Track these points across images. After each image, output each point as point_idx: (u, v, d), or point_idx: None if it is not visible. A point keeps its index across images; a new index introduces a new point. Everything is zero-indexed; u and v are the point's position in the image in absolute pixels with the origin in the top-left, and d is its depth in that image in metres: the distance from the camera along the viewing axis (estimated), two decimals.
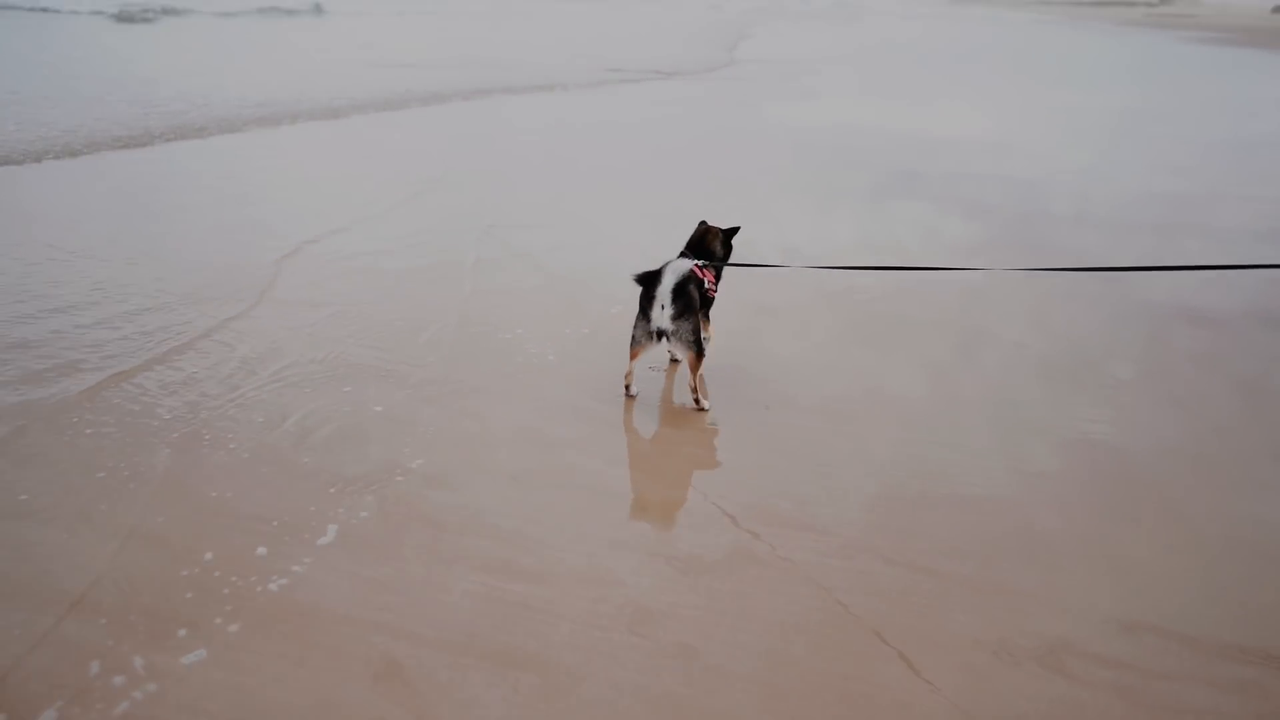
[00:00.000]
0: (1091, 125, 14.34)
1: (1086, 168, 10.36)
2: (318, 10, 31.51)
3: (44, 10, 24.80)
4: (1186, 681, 2.55)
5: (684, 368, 4.19)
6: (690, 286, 3.83)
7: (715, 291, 4.22)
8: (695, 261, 4.01)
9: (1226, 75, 23.12)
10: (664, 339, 3.83)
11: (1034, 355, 4.83)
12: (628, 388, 4.15)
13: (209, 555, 2.94)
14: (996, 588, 2.92)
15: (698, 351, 3.90)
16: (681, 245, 4.35)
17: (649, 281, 3.82)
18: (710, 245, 4.30)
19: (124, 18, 25.17)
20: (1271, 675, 2.57)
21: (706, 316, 4.31)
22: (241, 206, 7.42)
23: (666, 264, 3.89)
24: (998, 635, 2.70)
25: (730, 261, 4.38)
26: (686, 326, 3.82)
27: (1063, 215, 7.86)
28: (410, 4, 37.63)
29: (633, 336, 3.94)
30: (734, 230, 4.39)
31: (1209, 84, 21.49)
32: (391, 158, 9.86)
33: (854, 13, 60.92)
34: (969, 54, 29.33)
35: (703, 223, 4.38)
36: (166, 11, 27.08)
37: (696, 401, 4.02)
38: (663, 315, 3.78)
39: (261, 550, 2.98)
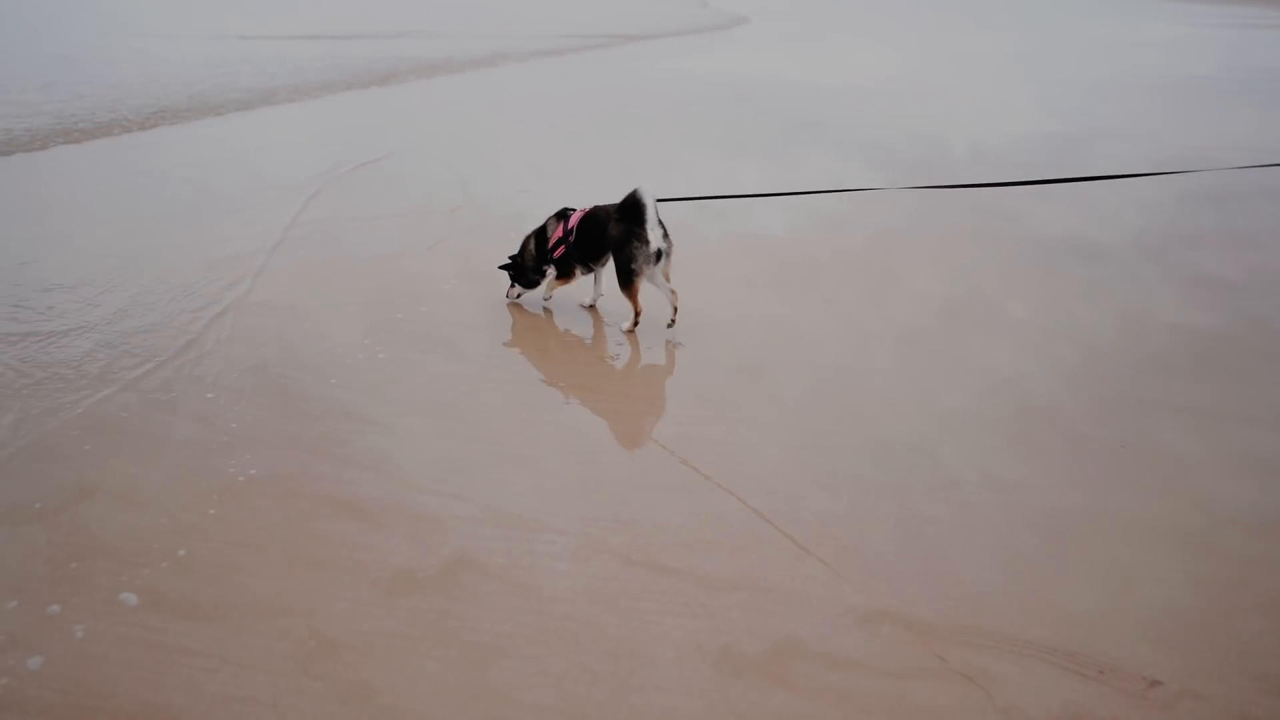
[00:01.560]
0: (982, 69, 14.51)
1: (979, 111, 10.55)
2: None
3: None
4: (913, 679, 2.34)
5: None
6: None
7: None
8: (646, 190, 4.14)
9: (1111, 14, 23.82)
10: (661, 259, 4.15)
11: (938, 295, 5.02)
12: (637, 316, 4.33)
13: None
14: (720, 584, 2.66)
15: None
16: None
17: (631, 209, 4.07)
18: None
19: None
20: (1004, 661, 2.37)
21: None
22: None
23: (632, 195, 4.08)
24: (722, 642, 2.44)
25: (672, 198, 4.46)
26: (670, 242, 4.20)
27: (959, 158, 8.09)
28: None
29: (635, 268, 4.14)
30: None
31: (1092, 25, 22.11)
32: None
33: None
34: None
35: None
36: None
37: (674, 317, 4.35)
38: (658, 236, 4.09)
39: None
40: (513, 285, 4.67)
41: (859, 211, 6.66)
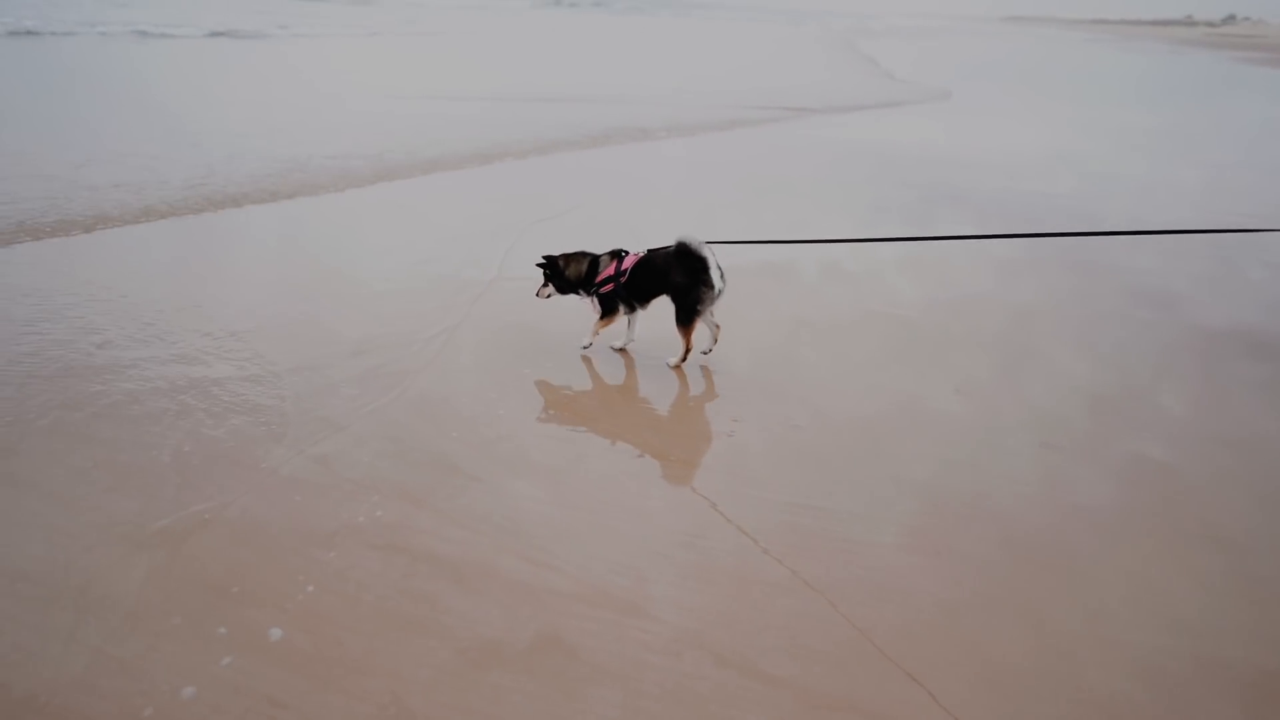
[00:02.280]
0: (1142, 144, 13.73)
1: (1138, 189, 9.97)
2: (287, 32, 29.08)
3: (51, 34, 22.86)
4: None
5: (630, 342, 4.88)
6: None
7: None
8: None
9: None
10: (718, 299, 4.49)
11: (1081, 379, 4.76)
12: (687, 353, 4.60)
13: None
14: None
15: None
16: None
17: (692, 256, 4.36)
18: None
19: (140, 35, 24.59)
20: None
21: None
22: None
23: (689, 243, 4.36)
24: None
25: (734, 239, 4.69)
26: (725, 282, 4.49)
27: (1118, 239, 7.56)
28: (382, 24, 36.47)
29: (700, 309, 4.47)
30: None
31: (1267, 104, 20.59)
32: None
33: (924, 30, 64.88)
34: (1027, 69, 28.64)
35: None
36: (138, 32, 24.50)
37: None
38: (719, 278, 4.39)
39: None
40: (546, 285, 4.78)
41: (999, 286, 6.31)
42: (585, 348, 4.81)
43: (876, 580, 2.99)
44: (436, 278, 5.94)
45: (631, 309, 4.74)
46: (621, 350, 4.88)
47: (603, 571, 2.97)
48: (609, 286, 4.62)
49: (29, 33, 21.86)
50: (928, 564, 3.09)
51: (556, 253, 4.75)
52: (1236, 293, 6.42)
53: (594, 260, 4.69)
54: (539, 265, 4.75)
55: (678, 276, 4.46)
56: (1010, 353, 5.11)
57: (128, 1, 34.53)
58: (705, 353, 4.70)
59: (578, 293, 4.74)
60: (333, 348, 4.68)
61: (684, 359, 4.64)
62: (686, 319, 4.52)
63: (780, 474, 3.64)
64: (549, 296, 4.82)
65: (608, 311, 4.70)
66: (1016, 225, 8.10)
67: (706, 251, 4.38)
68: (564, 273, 4.71)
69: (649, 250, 4.60)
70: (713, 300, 4.48)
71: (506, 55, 25.24)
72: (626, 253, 4.65)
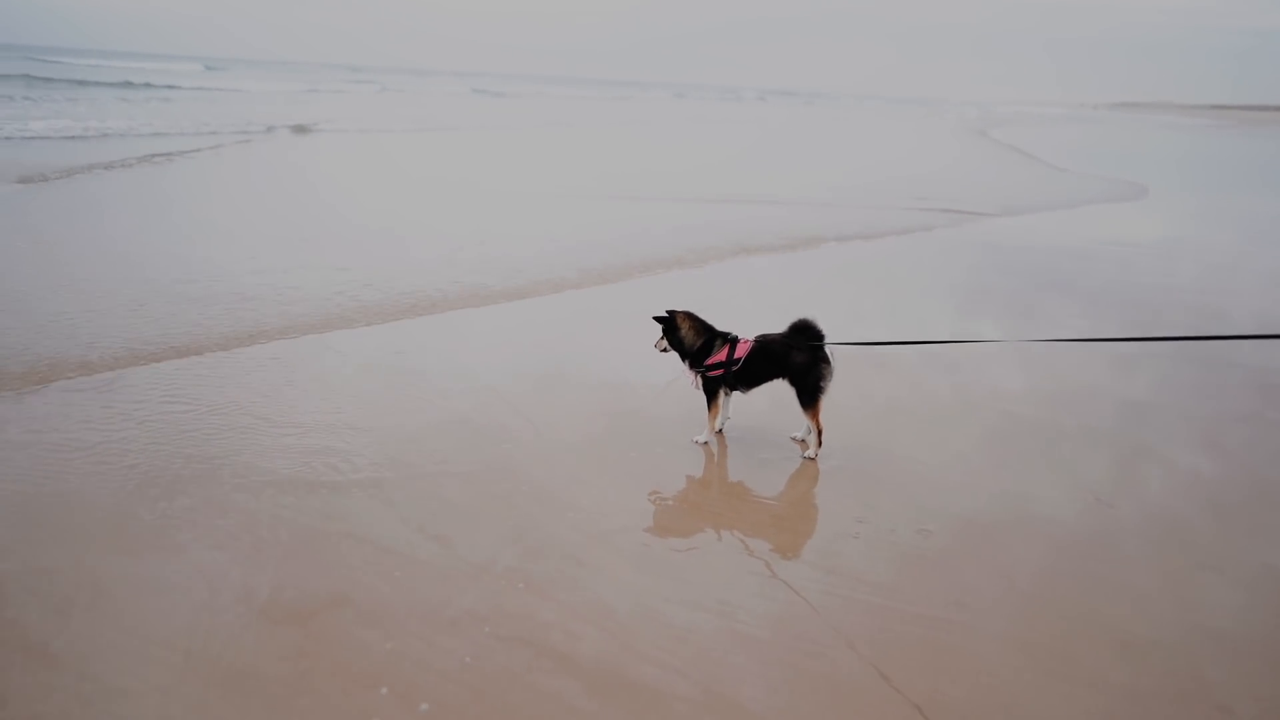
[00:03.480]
0: (1251, 232, 13.05)
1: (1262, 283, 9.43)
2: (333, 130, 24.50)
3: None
4: None
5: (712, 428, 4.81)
6: None
7: None
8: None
9: None
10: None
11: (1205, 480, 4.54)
12: (821, 435, 4.60)
13: None
14: None
15: None
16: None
17: (811, 333, 4.49)
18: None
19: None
20: None
21: None
22: None
23: (808, 323, 4.51)
24: None
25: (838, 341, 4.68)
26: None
27: (1245, 328, 7.14)
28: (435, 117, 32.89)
29: (824, 387, 4.51)
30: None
31: None
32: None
33: (1048, 118, 64.26)
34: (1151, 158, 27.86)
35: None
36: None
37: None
38: (831, 357, 4.50)
39: None
40: (663, 339, 4.79)
41: (1111, 378, 5.99)
42: (702, 443, 4.76)
43: (985, 695, 2.76)
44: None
45: (730, 392, 4.74)
46: (719, 433, 4.84)
47: (731, 682, 2.85)
48: (718, 371, 4.62)
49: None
50: (1030, 679, 2.84)
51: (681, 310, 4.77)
52: None
53: (711, 337, 4.67)
54: (656, 319, 4.78)
55: (800, 358, 4.49)
56: (1125, 450, 4.86)
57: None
58: (803, 445, 4.73)
59: (685, 359, 4.73)
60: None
61: (820, 443, 4.59)
62: (810, 400, 4.51)
63: (902, 579, 3.46)
64: (665, 351, 4.83)
65: (711, 395, 4.70)
66: (1129, 315, 7.70)
67: (822, 328, 4.47)
68: (679, 333, 4.71)
69: (759, 337, 4.61)
70: (830, 378, 4.49)
71: (624, 151, 25.78)
72: (738, 339, 4.63)
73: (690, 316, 4.74)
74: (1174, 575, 3.59)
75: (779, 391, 4.66)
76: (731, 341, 4.63)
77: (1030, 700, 2.81)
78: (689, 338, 4.70)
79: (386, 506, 3.88)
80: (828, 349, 4.49)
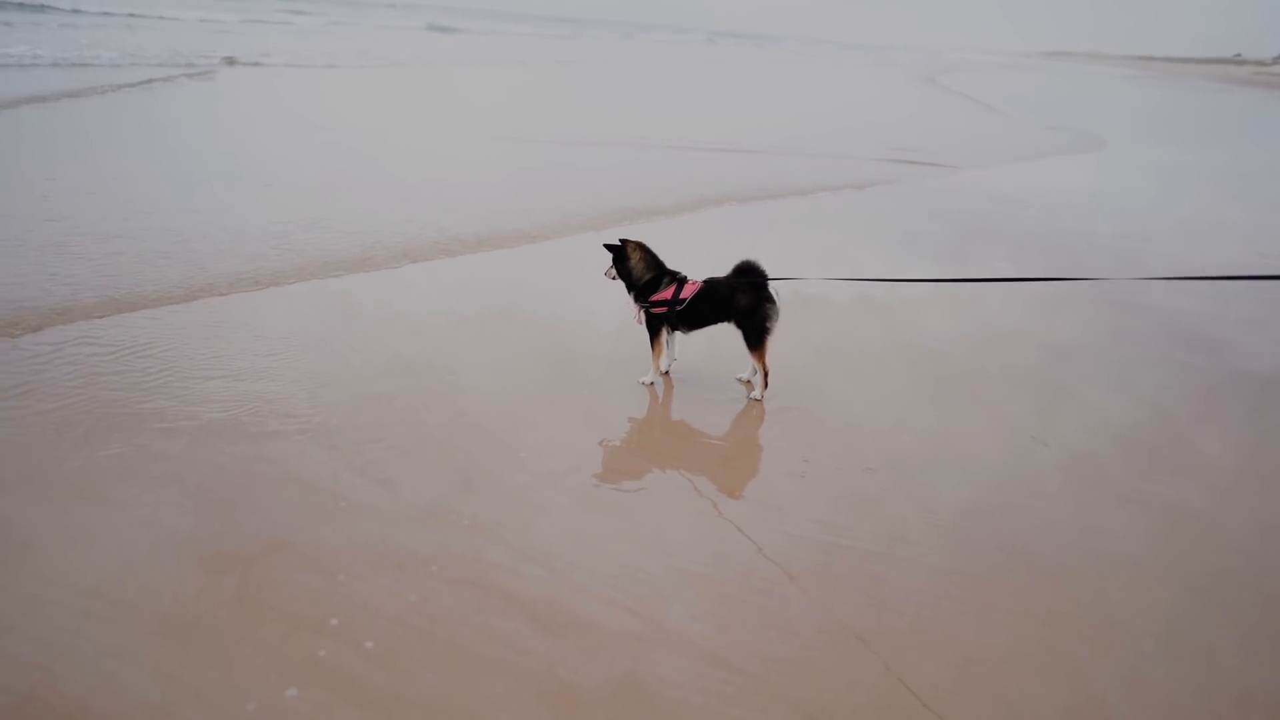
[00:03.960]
0: (1186, 184, 13.47)
1: (1181, 231, 9.72)
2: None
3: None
4: None
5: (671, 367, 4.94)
6: None
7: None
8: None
9: None
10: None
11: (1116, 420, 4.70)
12: (767, 377, 4.62)
13: None
14: None
15: None
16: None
17: (755, 274, 4.48)
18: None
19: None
20: None
21: None
22: None
23: (751, 264, 4.50)
24: None
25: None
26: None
27: (1157, 280, 7.40)
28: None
29: (770, 328, 4.51)
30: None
31: None
32: None
33: (988, 65, 64.12)
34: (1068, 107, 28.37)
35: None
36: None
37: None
38: (776, 298, 4.50)
39: None
40: (611, 267, 4.76)
41: (1035, 322, 6.21)
42: (648, 384, 4.75)
43: (921, 630, 2.87)
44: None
45: (672, 331, 4.73)
46: (665, 374, 4.86)
47: (682, 619, 2.88)
48: (661, 309, 4.60)
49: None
50: (966, 610, 2.97)
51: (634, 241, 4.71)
52: None
53: (660, 274, 4.64)
54: (607, 246, 4.72)
55: (744, 300, 4.48)
56: (1046, 392, 5.04)
57: None
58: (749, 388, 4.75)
59: (630, 291, 4.70)
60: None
61: (766, 385, 4.62)
62: (756, 341, 4.53)
63: (836, 507, 3.53)
64: (614, 279, 4.78)
65: (654, 333, 4.70)
66: (1056, 259, 7.92)
67: (765, 268, 4.48)
68: (629, 263, 4.67)
69: (708, 279, 4.59)
70: (776, 319, 4.50)
71: (581, 95, 25.04)
72: (686, 279, 4.61)
73: (642, 247, 4.68)
74: (1085, 508, 3.77)
75: (720, 332, 4.66)
76: (680, 281, 4.60)
77: (968, 630, 2.92)
78: (638, 269, 4.65)
79: (328, 451, 3.78)
80: (772, 290, 4.49)
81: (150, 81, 16.65)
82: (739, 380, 4.84)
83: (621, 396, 4.59)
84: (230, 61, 21.86)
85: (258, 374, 4.49)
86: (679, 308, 4.57)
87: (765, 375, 4.61)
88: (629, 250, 4.66)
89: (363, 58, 27.83)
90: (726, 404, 4.60)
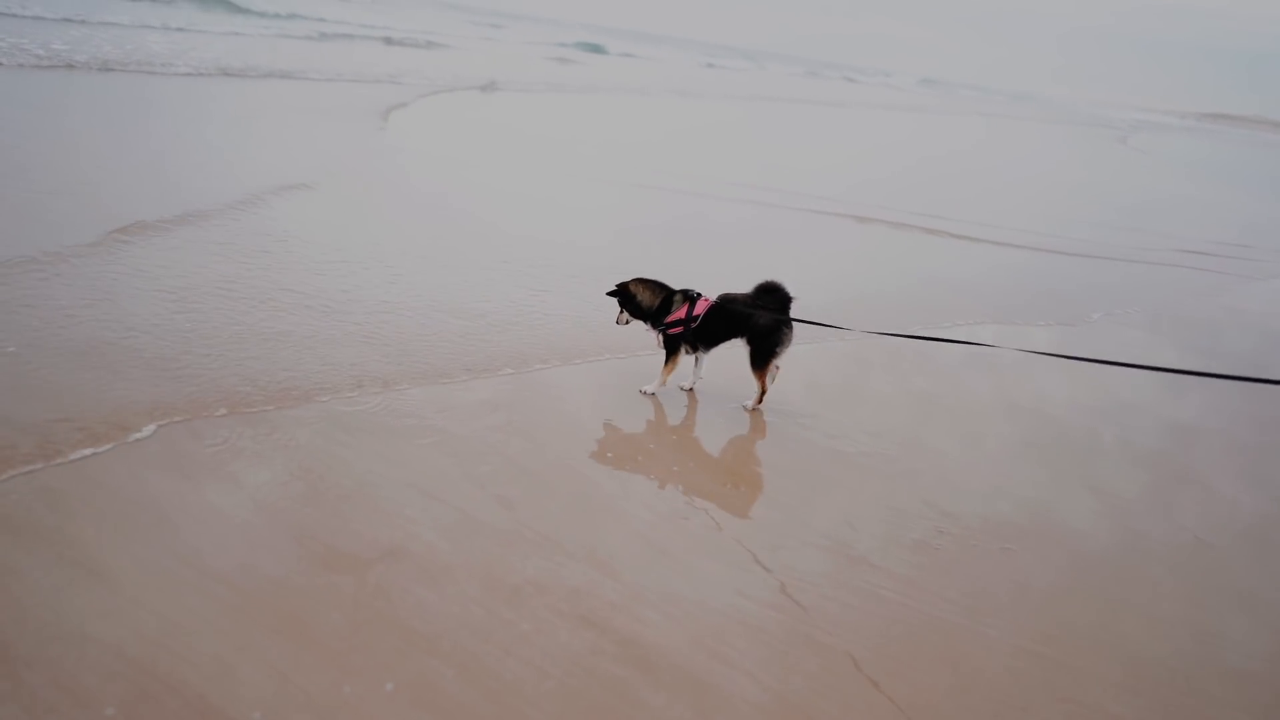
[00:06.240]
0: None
1: None
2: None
3: None
4: None
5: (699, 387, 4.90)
6: None
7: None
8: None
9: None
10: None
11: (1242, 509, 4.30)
12: (763, 395, 4.66)
13: None
14: None
15: None
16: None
17: (779, 294, 4.49)
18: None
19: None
20: None
21: None
22: None
23: (777, 286, 4.50)
24: None
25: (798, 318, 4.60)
26: None
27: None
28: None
29: (779, 352, 4.55)
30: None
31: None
32: None
33: (1161, 127, 59.50)
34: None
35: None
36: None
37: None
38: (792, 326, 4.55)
39: None
40: (622, 313, 4.72)
41: (1160, 397, 5.70)
42: (650, 393, 4.72)
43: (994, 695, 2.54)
44: None
45: (692, 350, 4.71)
46: (690, 390, 4.85)
47: (804, 691, 2.67)
48: (677, 329, 4.58)
49: None
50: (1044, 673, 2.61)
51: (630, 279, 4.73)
52: None
53: (668, 296, 4.63)
54: (610, 294, 4.72)
55: (764, 320, 4.48)
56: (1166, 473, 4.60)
57: None
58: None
59: (645, 322, 4.67)
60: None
61: (760, 400, 4.66)
62: (761, 362, 4.55)
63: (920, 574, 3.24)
64: (628, 323, 4.75)
65: (671, 353, 4.67)
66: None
67: (791, 292, 4.48)
68: (636, 299, 4.62)
69: (722, 295, 4.58)
70: (788, 345, 4.52)
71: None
72: (699, 295, 4.55)
73: (642, 280, 4.69)
74: (1196, 604, 3.41)
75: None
76: (691, 299, 4.58)
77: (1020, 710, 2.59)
78: (646, 299, 4.64)
79: (450, 458, 3.75)
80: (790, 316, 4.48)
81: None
82: (744, 409, 4.73)
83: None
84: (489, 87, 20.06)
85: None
86: (694, 325, 4.54)
87: (763, 393, 4.63)
88: (631, 288, 4.67)
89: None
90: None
